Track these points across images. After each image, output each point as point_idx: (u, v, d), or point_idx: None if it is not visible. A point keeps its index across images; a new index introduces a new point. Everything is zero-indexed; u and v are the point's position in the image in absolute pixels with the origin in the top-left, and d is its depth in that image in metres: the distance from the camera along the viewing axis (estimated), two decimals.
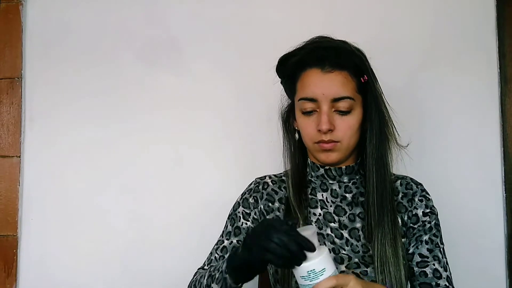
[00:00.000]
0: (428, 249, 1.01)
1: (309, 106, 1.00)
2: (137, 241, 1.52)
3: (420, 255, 1.01)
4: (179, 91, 1.54)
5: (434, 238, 1.03)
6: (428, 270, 1.00)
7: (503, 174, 1.42)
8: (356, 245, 1.01)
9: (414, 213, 1.04)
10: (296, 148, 1.09)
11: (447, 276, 1.00)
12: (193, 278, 1.06)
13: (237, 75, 1.52)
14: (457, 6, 1.47)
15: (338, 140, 0.99)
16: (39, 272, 1.54)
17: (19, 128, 1.58)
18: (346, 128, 0.99)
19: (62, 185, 1.56)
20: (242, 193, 1.13)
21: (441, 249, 1.03)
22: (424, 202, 1.05)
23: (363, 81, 1.00)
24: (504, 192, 1.42)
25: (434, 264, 1.00)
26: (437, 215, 1.06)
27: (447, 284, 0.99)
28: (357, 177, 1.07)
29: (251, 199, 1.10)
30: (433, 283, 0.99)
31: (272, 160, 1.46)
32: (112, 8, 1.59)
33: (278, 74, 1.09)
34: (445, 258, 1.03)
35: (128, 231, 1.53)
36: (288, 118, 1.10)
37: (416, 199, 1.05)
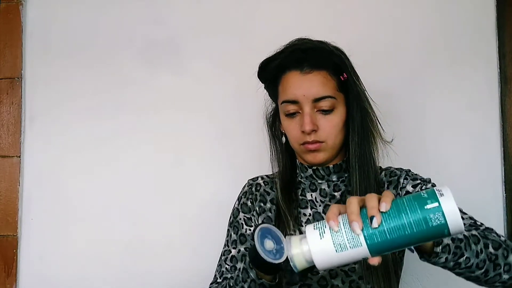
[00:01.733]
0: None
1: (291, 108, 1.00)
2: (137, 241, 1.52)
3: None
4: (179, 91, 1.54)
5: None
6: None
7: (503, 174, 1.42)
8: None
9: (403, 192, 1.01)
10: (284, 151, 1.10)
11: (469, 217, 0.96)
12: None
13: (237, 75, 1.52)
14: (457, 6, 1.47)
15: (322, 140, 1.00)
16: (39, 272, 1.54)
17: (19, 128, 1.58)
18: (330, 127, 0.99)
19: (62, 185, 1.56)
20: (238, 197, 1.13)
21: None
22: (410, 178, 1.03)
23: (342, 79, 1.00)
24: (504, 192, 1.42)
25: None
26: (430, 181, 1.02)
27: (473, 221, 0.94)
28: (346, 175, 1.06)
29: (249, 202, 1.10)
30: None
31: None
32: (112, 8, 1.59)
33: (260, 80, 1.10)
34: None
35: (128, 231, 1.53)
36: (274, 122, 1.10)
37: (402, 180, 1.03)
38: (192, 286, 1.45)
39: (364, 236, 0.69)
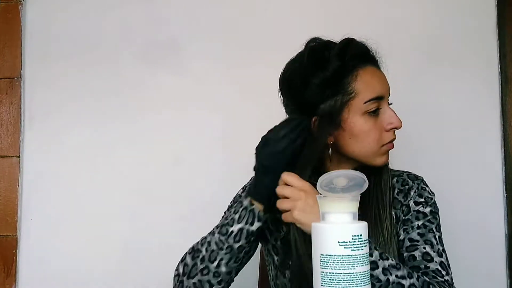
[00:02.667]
0: (419, 234, 0.95)
1: (375, 106, 0.94)
2: (137, 241, 1.52)
3: (410, 239, 0.94)
4: (179, 91, 1.54)
5: (428, 224, 0.96)
6: (417, 253, 0.92)
7: (503, 174, 1.42)
8: None
9: (407, 205, 0.99)
10: (312, 163, 0.94)
11: (441, 261, 0.91)
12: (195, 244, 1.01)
13: (237, 75, 1.51)
14: (457, 6, 1.46)
15: None
16: (39, 272, 1.54)
17: (19, 128, 1.58)
18: None
19: (62, 185, 1.56)
20: (244, 186, 1.12)
21: (436, 236, 0.95)
22: (417, 193, 1.00)
23: None
24: (504, 192, 1.42)
25: (424, 248, 0.92)
26: (435, 204, 1.00)
27: (439, 268, 0.90)
28: None
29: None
30: (422, 266, 0.90)
31: None
32: (112, 8, 1.59)
33: (318, 67, 0.93)
34: (441, 245, 0.95)
35: (128, 231, 1.53)
36: (319, 132, 0.93)
37: (412, 193, 1.00)
38: None
39: None
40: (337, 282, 0.64)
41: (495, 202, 1.42)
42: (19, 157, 1.57)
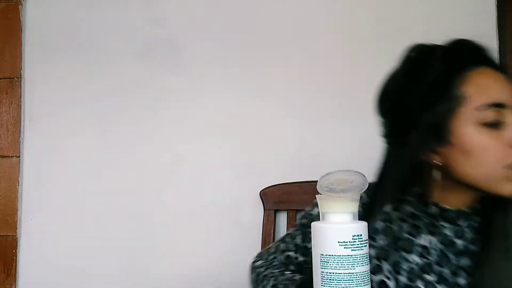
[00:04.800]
0: None
1: (494, 115, 0.74)
2: (137, 241, 1.52)
3: None
4: (179, 90, 1.54)
5: None
6: None
7: None
8: None
9: None
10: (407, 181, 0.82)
11: None
12: (257, 261, 0.96)
13: (237, 75, 1.51)
14: (457, 6, 1.46)
15: None
16: (39, 272, 1.54)
17: (19, 128, 1.58)
18: None
19: (62, 185, 1.56)
20: (314, 202, 0.91)
21: None
22: None
23: None
24: None
25: None
26: None
27: None
28: (479, 219, 0.81)
29: None
30: None
31: (271, 161, 1.46)
32: (112, 8, 1.59)
33: (417, 74, 0.81)
34: None
35: (128, 231, 1.53)
36: (420, 149, 0.78)
37: None
38: (192, 285, 1.45)
39: None
40: (337, 282, 0.65)
41: None
42: (19, 157, 1.57)
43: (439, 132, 0.75)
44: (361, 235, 0.65)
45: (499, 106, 0.74)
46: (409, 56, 0.84)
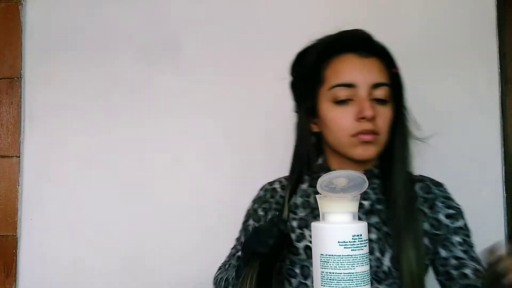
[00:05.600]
0: (462, 251, 0.93)
1: (344, 93, 0.90)
2: (137, 241, 1.52)
3: (456, 257, 0.92)
4: (179, 91, 1.54)
5: (467, 239, 0.95)
6: (468, 271, 0.90)
7: (503, 174, 1.42)
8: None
9: (435, 218, 0.95)
10: (310, 153, 0.98)
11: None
12: (217, 273, 1.05)
13: (238, 75, 1.51)
14: (457, 6, 1.46)
15: (378, 131, 0.90)
16: (39, 272, 1.54)
17: (19, 128, 1.58)
18: (385, 119, 0.91)
19: (62, 185, 1.56)
20: (253, 200, 1.08)
21: (475, 250, 0.94)
22: (445, 204, 0.96)
23: (394, 72, 0.96)
24: (504, 192, 1.42)
25: (473, 265, 0.91)
26: (463, 213, 0.98)
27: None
28: (377, 182, 0.97)
29: (260, 210, 1.03)
30: (479, 284, 0.87)
31: (271, 162, 1.46)
32: (112, 8, 1.59)
33: (294, 73, 1.00)
34: (476, 254, 0.93)
35: (128, 231, 1.53)
36: (306, 120, 0.97)
37: (439, 204, 0.96)
38: (192, 285, 1.45)
39: None
40: (337, 282, 0.64)
41: (495, 202, 1.42)
42: (19, 157, 1.57)
43: (312, 108, 0.95)
44: (361, 235, 0.66)
45: (348, 86, 0.90)
46: (302, 49, 0.99)
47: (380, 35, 1.48)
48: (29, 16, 1.62)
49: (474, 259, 0.92)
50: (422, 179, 1.00)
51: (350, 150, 0.92)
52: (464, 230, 0.96)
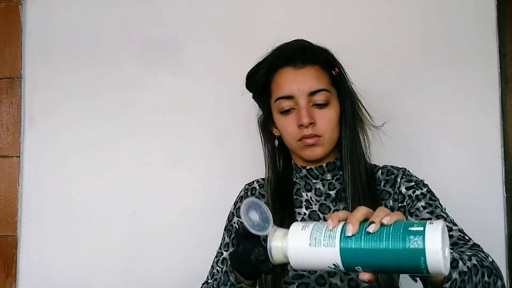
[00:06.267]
0: (428, 212, 0.97)
1: (286, 104, 1.01)
2: (137, 241, 1.52)
3: (422, 220, 0.95)
4: (179, 91, 1.54)
5: (432, 202, 0.99)
6: None
7: (503, 174, 1.42)
8: None
9: (398, 192, 1.02)
10: (276, 153, 1.12)
11: (459, 229, 0.95)
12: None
13: (238, 75, 1.51)
14: (457, 6, 1.46)
15: (320, 134, 1.00)
16: (39, 273, 1.54)
17: (19, 128, 1.58)
18: (326, 120, 1.00)
19: (62, 185, 1.56)
20: (234, 202, 1.15)
21: (444, 210, 0.98)
22: (405, 179, 1.02)
23: (334, 73, 1.03)
24: (504, 192, 1.42)
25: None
26: (428, 185, 1.02)
27: (461, 235, 0.93)
28: (340, 172, 1.06)
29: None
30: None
31: None
32: (112, 8, 1.59)
33: (250, 89, 1.11)
34: (451, 217, 0.98)
35: (128, 231, 1.53)
36: (266, 126, 1.11)
37: (398, 180, 1.03)
38: (192, 285, 1.45)
39: (340, 238, 0.66)
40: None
41: (495, 202, 1.42)
42: (19, 157, 1.57)
43: (270, 117, 1.07)
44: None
45: (287, 98, 1.01)
46: (254, 66, 1.10)
47: (380, 35, 1.49)
48: (29, 16, 1.62)
49: (440, 217, 0.96)
50: (383, 166, 1.08)
51: (300, 152, 1.04)
52: (427, 194, 1.00)
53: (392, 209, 1.00)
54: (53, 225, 1.55)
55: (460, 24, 1.46)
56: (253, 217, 0.73)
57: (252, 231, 0.72)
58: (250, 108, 1.50)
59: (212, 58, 1.54)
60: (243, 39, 1.53)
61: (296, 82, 1.00)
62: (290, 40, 1.06)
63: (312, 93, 0.99)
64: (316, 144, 1.00)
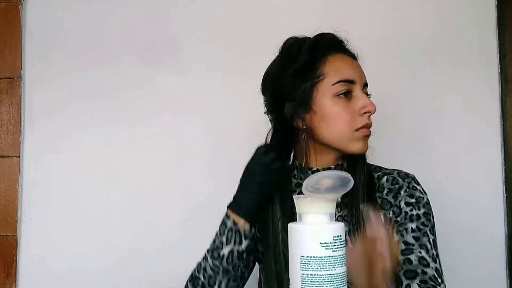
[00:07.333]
0: (414, 237, 0.92)
1: (345, 88, 0.95)
2: (137, 241, 1.52)
3: (405, 242, 0.92)
4: (179, 91, 1.54)
5: (422, 227, 0.94)
6: (413, 257, 0.90)
7: (503, 174, 1.42)
8: None
9: (397, 205, 0.97)
10: (287, 149, 1.03)
11: (436, 267, 0.90)
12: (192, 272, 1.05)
13: (238, 75, 1.51)
14: (457, 6, 1.46)
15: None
16: (39, 273, 1.54)
17: (19, 128, 1.58)
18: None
19: (62, 185, 1.56)
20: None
21: (431, 240, 0.93)
22: (408, 193, 0.97)
23: None
24: (504, 192, 1.42)
25: (420, 252, 0.90)
26: (428, 205, 0.98)
27: (436, 275, 0.89)
28: None
29: None
30: (419, 270, 0.88)
31: None
32: (112, 8, 1.59)
33: (284, 68, 0.99)
34: (436, 250, 0.93)
35: (128, 231, 1.53)
36: (293, 117, 0.98)
37: (402, 193, 0.97)
38: None
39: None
40: (318, 284, 0.63)
41: (495, 202, 1.42)
42: (19, 157, 1.57)
43: (306, 103, 0.95)
44: (340, 236, 0.65)
45: (349, 82, 0.94)
46: (284, 47, 1.02)
47: (380, 35, 1.49)
48: (29, 16, 1.62)
49: (423, 246, 0.92)
50: (390, 172, 1.02)
51: (350, 144, 0.95)
52: (421, 218, 0.95)
53: (390, 220, 0.96)
54: (53, 225, 1.55)
55: (460, 24, 1.46)
56: (325, 182, 0.68)
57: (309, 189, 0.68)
58: (250, 109, 1.50)
59: (212, 58, 1.54)
60: (243, 39, 1.53)
61: (356, 70, 0.97)
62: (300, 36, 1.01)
63: (365, 85, 0.98)
64: (368, 136, 0.96)
